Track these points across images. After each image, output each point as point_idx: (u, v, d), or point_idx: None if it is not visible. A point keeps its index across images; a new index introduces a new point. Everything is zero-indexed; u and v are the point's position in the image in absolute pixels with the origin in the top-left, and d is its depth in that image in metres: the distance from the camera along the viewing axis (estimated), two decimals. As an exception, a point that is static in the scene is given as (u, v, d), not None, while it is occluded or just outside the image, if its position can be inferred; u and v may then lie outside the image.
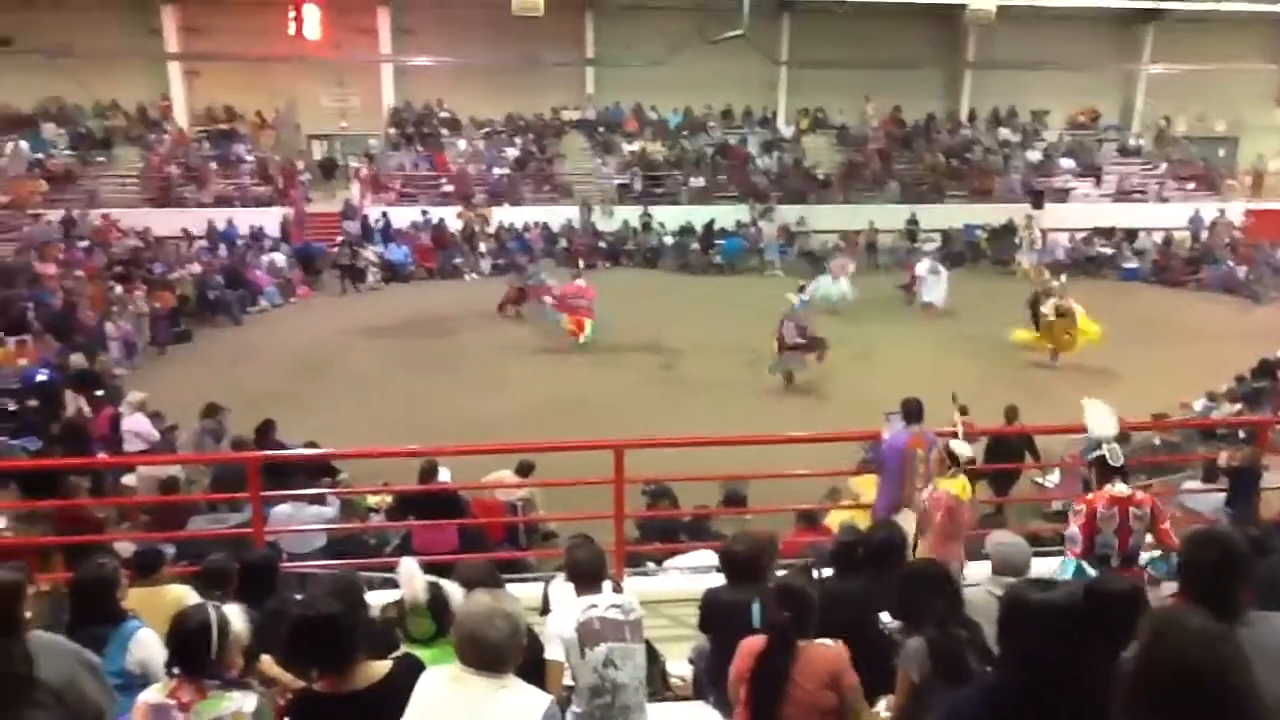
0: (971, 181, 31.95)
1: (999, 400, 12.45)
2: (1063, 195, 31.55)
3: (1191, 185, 32.53)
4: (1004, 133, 33.82)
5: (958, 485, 6.35)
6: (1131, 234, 29.65)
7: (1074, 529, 5.63)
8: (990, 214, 30.29)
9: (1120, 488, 5.66)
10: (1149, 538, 5.72)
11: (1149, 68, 33.13)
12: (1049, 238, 28.94)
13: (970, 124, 34.25)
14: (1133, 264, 28.23)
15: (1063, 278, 20.11)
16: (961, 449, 6.54)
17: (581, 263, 23.59)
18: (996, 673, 3.23)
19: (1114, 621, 3.48)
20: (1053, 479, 12.56)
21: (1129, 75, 34.39)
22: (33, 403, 14.25)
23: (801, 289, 18.23)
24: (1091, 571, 5.35)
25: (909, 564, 4.76)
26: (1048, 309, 18.34)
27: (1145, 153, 33.80)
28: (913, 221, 29.80)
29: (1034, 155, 32.77)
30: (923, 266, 23.27)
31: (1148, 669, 2.20)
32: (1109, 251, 29.00)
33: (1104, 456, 5.79)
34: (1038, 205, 29.72)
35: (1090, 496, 5.73)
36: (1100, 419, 6.23)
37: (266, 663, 4.21)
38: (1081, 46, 31.88)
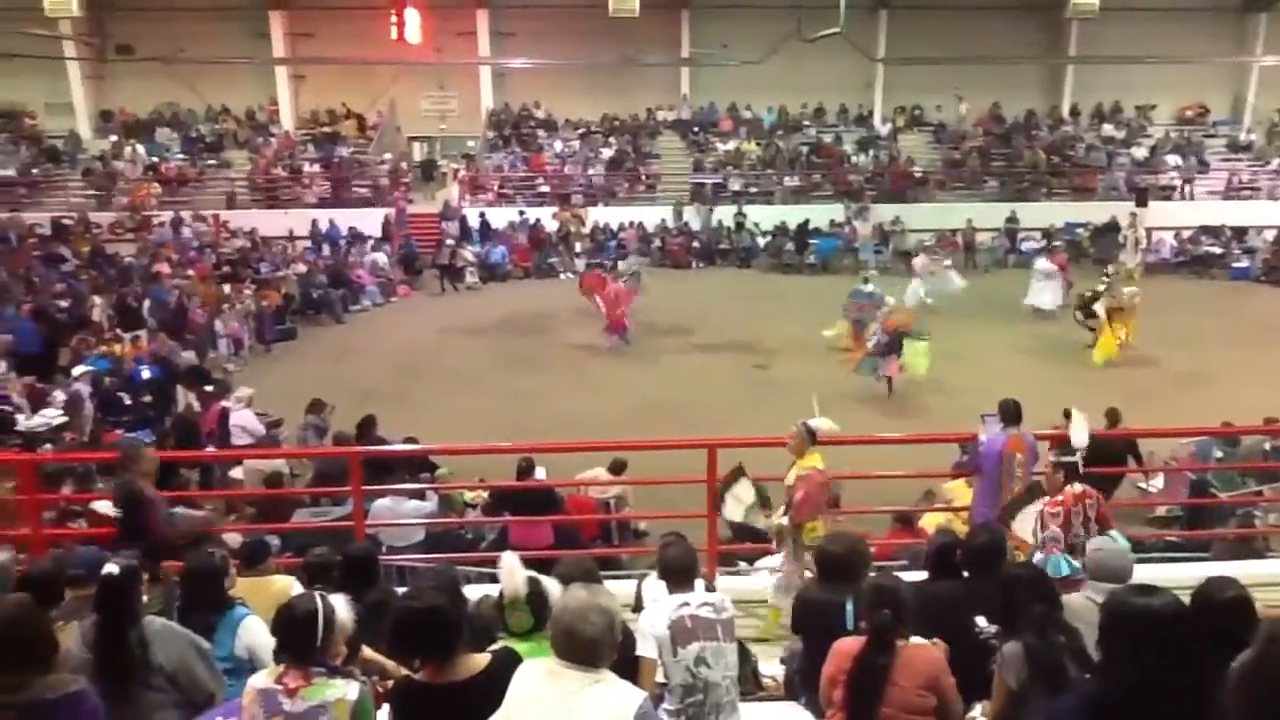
0: (1073, 179, 31.23)
1: (1101, 402, 12.16)
2: (1168, 193, 30.62)
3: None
4: (1107, 129, 32.95)
5: (816, 459, 6.81)
6: (1240, 232, 28.67)
7: (1055, 529, 6.09)
8: (1093, 212, 29.58)
9: (1078, 486, 6.23)
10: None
11: (1262, 60, 31.90)
12: (1154, 236, 28.16)
13: (1072, 120, 33.45)
14: (1243, 263, 27.30)
15: (1125, 273, 19.44)
16: (821, 424, 6.94)
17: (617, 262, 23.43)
18: (1098, 681, 3.17)
19: (1221, 630, 3.41)
20: (1156, 483, 12.23)
21: (1240, 68, 33.20)
22: (146, 398, 14.77)
23: (866, 280, 18.04)
24: (1076, 564, 5.81)
25: (1009, 568, 4.69)
26: (1100, 308, 17.96)
27: (1256, 148, 32.63)
28: (1012, 220, 29.23)
29: (1139, 152, 31.87)
30: (1040, 265, 22.55)
31: (1262, 679, 2.14)
32: (1217, 251, 28.08)
33: (1076, 463, 6.35)
34: (1142, 203, 28.92)
35: (1061, 497, 6.18)
36: (1081, 429, 6.88)
37: (367, 652, 4.32)
38: (1190, 39, 30.85)
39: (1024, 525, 6.65)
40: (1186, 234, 28.81)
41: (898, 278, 22.35)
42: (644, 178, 30.91)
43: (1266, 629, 2.20)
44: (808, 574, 6.18)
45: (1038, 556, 6.14)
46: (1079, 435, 6.86)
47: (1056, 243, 26.27)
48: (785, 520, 6.83)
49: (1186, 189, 30.75)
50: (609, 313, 19.33)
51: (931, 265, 22.43)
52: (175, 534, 5.96)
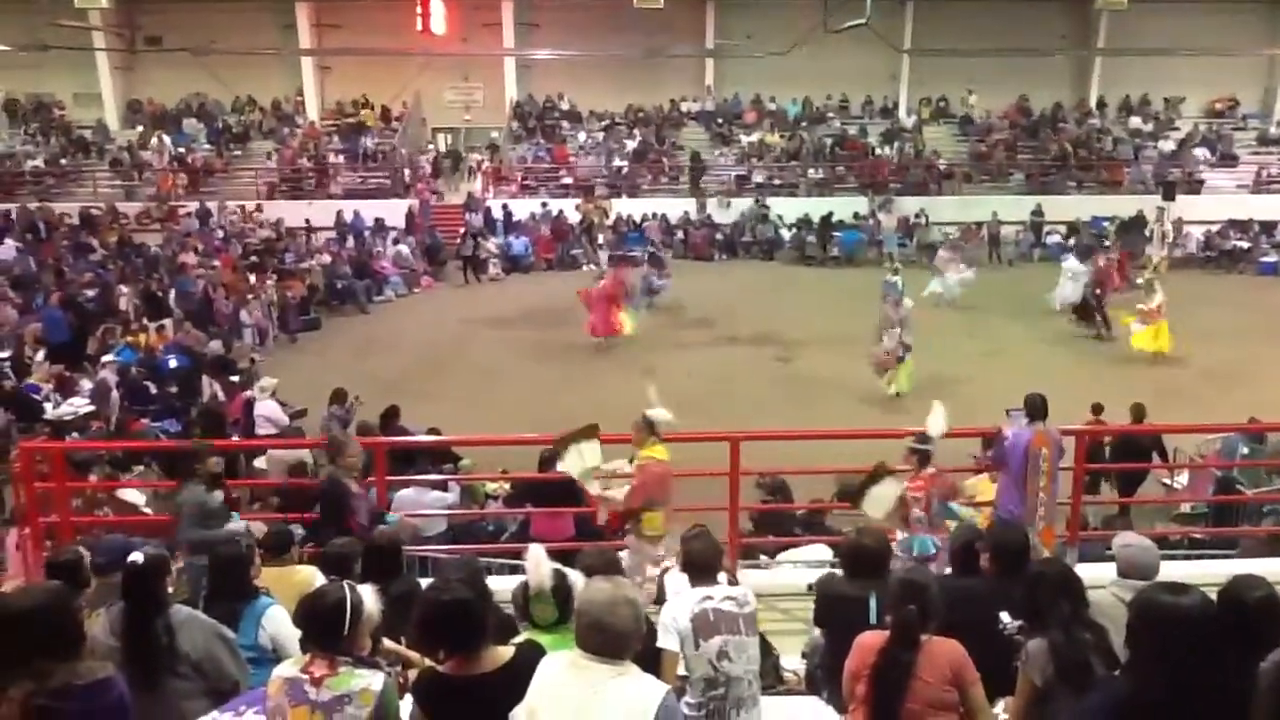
0: (1100, 172, 30.97)
1: (1128, 398, 12.09)
2: (1196, 186, 30.31)
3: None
4: (1135, 121, 32.67)
5: (659, 451, 6.92)
6: (1269, 226, 28.37)
7: (919, 512, 6.59)
8: (1119, 205, 29.30)
9: (930, 469, 6.75)
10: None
11: (1293, 52, 31.60)
12: (1182, 230, 27.91)
13: (1100, 112, 33.17)
14: (1270, 258, 27.04)
15: (1152, 275, 19.26)
16: (659, 415, 6.98)
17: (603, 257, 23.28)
18: (1126, 679, 3.15)
19: (1251, 628, 3.38)
20: (1181, 480, 12.15)
21: (1271, 60, 32.80)
22: (172, 388, 14.89)
23: (895, 271, 17.96)
24: (940, 542, 6.31)
25: (1035, 565, 4.67)
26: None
27: (1287, 141, 32.29)
28: (1038, 213, 29.04)
29: (1167, 145, 31.58)
30: (1069, 264, 21.99)
31: None
32: (1245, 245, 27.82)
33: (928, 451, 6.79)
34: (1169, 196, 28.62)
35: (919, 482, 6.66)
36: (939, 421, 7.04)
37: (389, 644, 4.34)
38: (1219, 31, 30.45)
39: (875, 506, 6.82)
40: (1215, 228, 28.51)
41: (921, 271, 22.24)
42: (668, 169, 30.84)
43: None
44: (666, 564, 6.16)
45: (902, 536, 6.63)
46: (936, 424, 7.01)
47: (1108, 242, 25.72)
48: (616, 497, 6.93)
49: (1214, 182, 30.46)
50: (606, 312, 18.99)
51: (947, 263, 22.19)
52: (383, 536, 5.92)
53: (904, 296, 16.74)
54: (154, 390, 14.92)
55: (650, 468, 6.84)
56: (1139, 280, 19.14)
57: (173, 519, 6.93)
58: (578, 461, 7.09)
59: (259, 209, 27.40)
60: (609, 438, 10.58)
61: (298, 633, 3.96)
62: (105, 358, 15.38)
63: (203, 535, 6.52)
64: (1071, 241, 27.13)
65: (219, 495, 6.85)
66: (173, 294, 19.79)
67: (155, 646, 4.10)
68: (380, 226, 27.06)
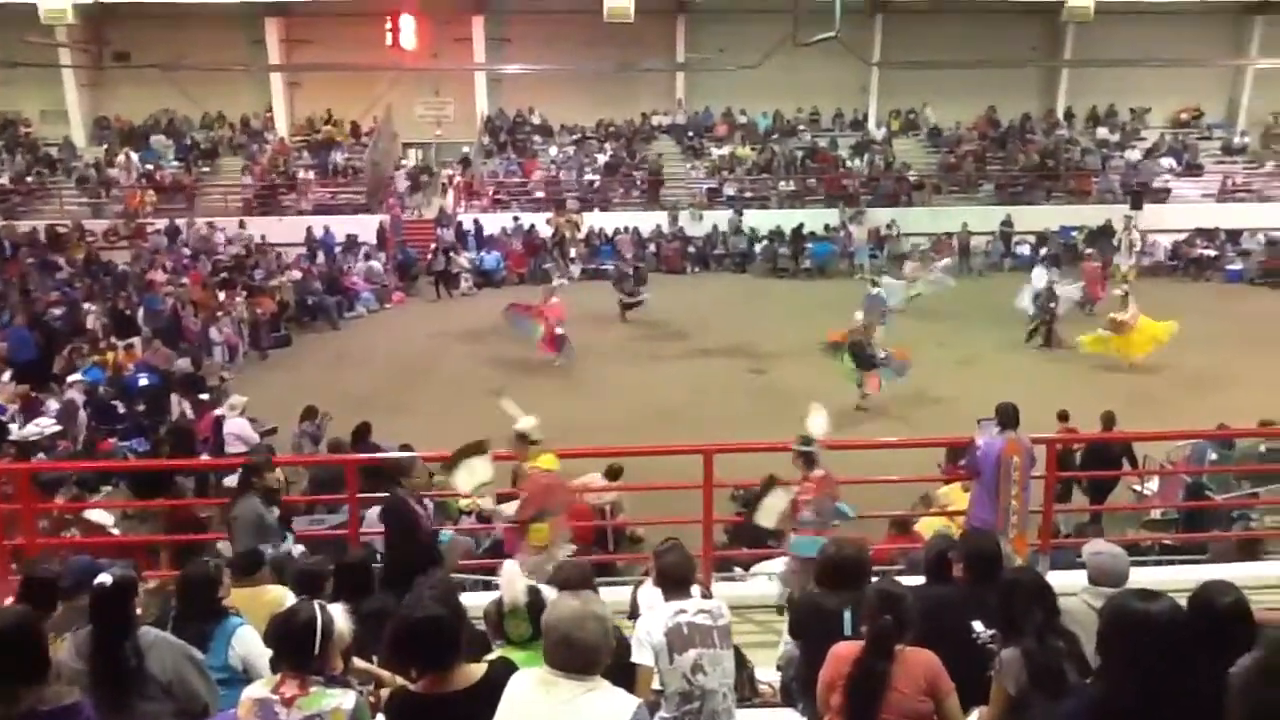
0: (1068, 182, 31.26)
1: (1098, 406, 12.18)
2: (1163, 195, 30.65)
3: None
4: (1102, 132, 33.02)
5: (546, 460, 7.08)
6: (1235, 235, 28.72)
7: (808, 514, 6.67)
8: (1088, 215, 29.61)
9: (819, 471, 6.82)
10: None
11: (1256, 63, 31.95)
12: (1149, 239, 28.20)
13: (1067, 123, 33.51)
14: (1237, 265, 27.36)
15: (1125, 286, 19.47)
16: (525, 425, 7.13)
17: (556, 277, 23.25)
18: (1099, 686, 3.16)
19: (1221, 633, 3.40)
20: (1152, 486, 12.23)
21: (1235, 71, 33.26)
22: (140, 407, 14.75)
23: (875, 283, 18.08)
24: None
25: (1008, 573, 4.68)
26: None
27: (1251, 151, 32.69)
28: (1007, 223, 29.28)
29: (1133, 154, 31.93)
30: (1038, 275, 22.14)
31: (1262, 688, 2.10)
32: (1212, 253, 28.14)
33: (812, 452, 6.85)
34: (1137, 206, 28.95)
35: (809, 484, 6.74)
36: (820, 422, 7.21)
37: (360, 663, 4.30)
38: (1185, 42, 30.81)
39: (766, 517, 7.01)
40: (1181, 237, 28.82)
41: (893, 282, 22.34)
42: (639, 183, 30.89)
43: (1273, 639, 2.17)
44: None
45: (793, 538, 6.74)
46: (817, 425, 7.15)
47: (1090, 250, 25.82)
48: (506, 512, 7.02)
49: (1180, 191, 30.82)
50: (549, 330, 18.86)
51: (917, 272, 22.29)
52: (354, 555, 5.89)
53: (887, 300, 17.04)
54: (122, 409, 14.78)
55: (536, 478, 6.90)
56: (1115, 291, 19.33)
57: (226, 533, 6.82)
58: (468, 478, 7.09)
59: (242, 225, 27.25)
60: (591, 451, 10.60)
61: (268, 653, 3.92)
62: (72, 377, 15.21)
63: (252, 547, 6.51)
64: (1043, 252, 27.36)
65: (275, 511, 6.78)
66: (141, 312, 19.62)
67: (124, 669, 4.04)
68: (352, 243, 26.93)
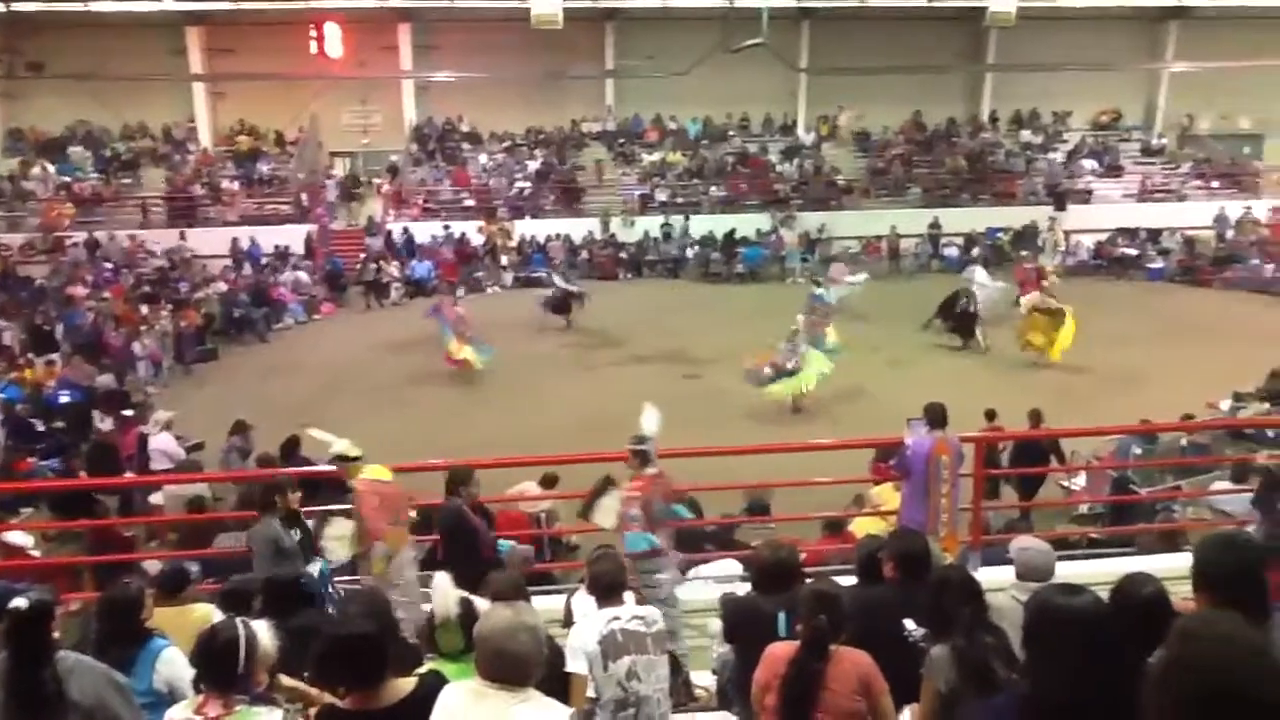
0: (993, 184, 31.81)
1: (1025, 403, 12.37)
2: (1085, 196, 31.35)
3: (1215, 184, 32.24)
4: (1026, 135, 33.69)
5: (378, 471, 6.97)
6: (1155, 234, 29.44)
7: (635, 510, 6.65)
8: (1013, 216, 30.13)
9: (652, 469, 6.86)
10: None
11: (1172, 66, 32.86)
12: (1072, 239, 28.81)
13: (992, 127, 34.11)
14: (1158, 264, 28.02)
15: (1053, 277, 19.83)
16: (340, 446, 7.03)
17: (461, 289, 23.20)
18: (1025, 682, 3.19)
19: (1143, 624, 3.45)
20: (1079, 482, 12.46)
21: (1152, 74, 34.15)
22: (60, 424, 14.40)
23: (819, 283, 18.38)
24: (656, 540, 6.53)
25: (937, 571, 4.73)
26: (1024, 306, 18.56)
27: (1168, 152, 33.55)
28: (935, 225, 29.70)
29: (1056, 157, 32.61)
30: (978, 275, 21.89)
31: (1176, 678, 2.13)
32: (1133, 252, 28.79)
33: (646, 450, 6.91)
34: (1060, 207, 29.57)
35: (640, 481, 6.76)
36: (651, 419, 7.45)
37: (287, 680, 4.22)
38: (1103, 46, 31.68)
39: (604, 517, 7.12)
40: (1104, 236, 29.46)
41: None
42: (570, 190, 30.84)
43: (1180, 626, 2.19)
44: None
45: (625, 535, 6.71)
46: (649, 423, 7.36)
47: (1025, 252, 25.99)
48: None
49: (1102, 192, 31.53)
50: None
51: (841, 274, 22.39)
52: (509, 569, 5.76)
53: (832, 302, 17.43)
54: (41, 428, 14.40)
55: (367, 493, 6.78)
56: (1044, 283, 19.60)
57: (246, 554, 6.66)
58: (606, 517, 7.22)
59: (183, 236, 26.73)
60: (526, 460, 10.55)
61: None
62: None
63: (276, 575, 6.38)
64: (975, 252, 27.80)
65: (296, 533, 6.66)
66: (61, 327, 19.15)
67: (42, 695, 3.91)
68: (283, 254, 26.52)
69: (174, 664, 4.43)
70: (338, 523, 7.23)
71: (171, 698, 4.30)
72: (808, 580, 5.07)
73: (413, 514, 7.27)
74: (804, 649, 4.03)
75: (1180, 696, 2.08)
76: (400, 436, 14.53)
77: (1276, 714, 2.01)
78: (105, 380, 16.33)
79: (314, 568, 6.54)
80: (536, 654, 3.10)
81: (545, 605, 5.85)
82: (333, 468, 10.06)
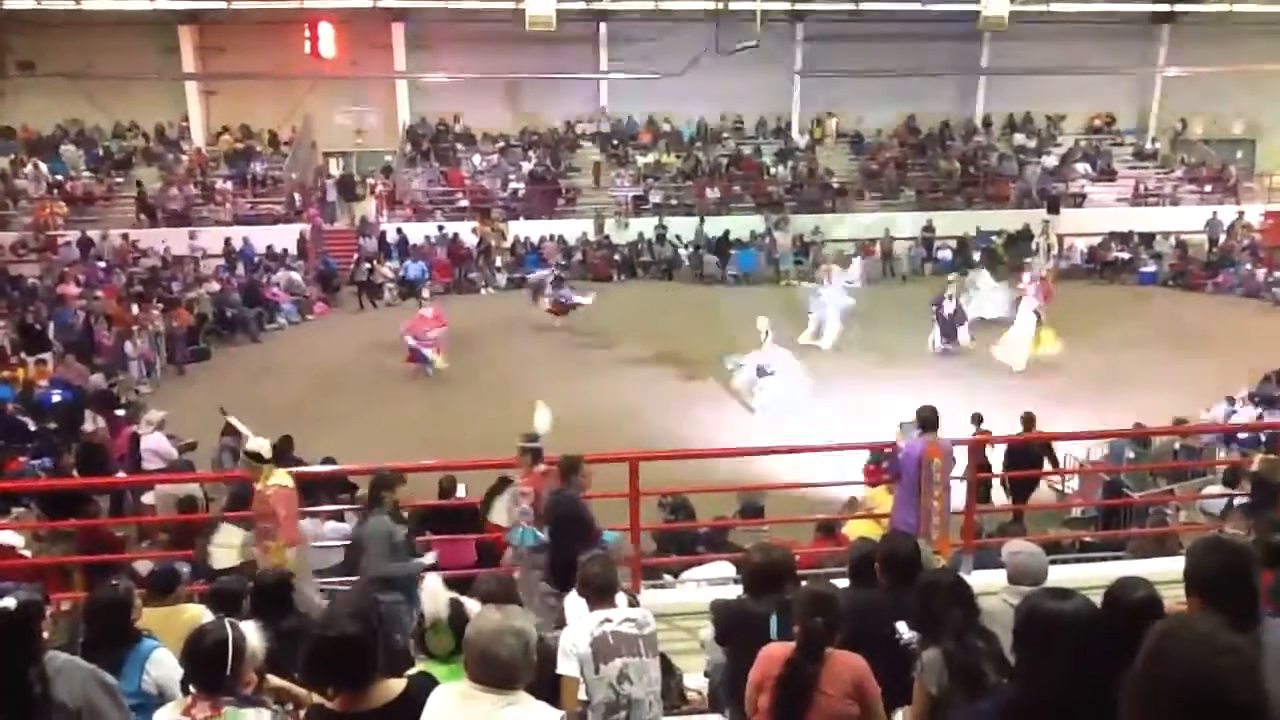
0: (987, 188, 31.85)
1: (1018, 407, 12.39)
2: (1079, 200, 31.42)
3: (1208, 188, 32.32)
4: (1019, 138, 33.73)
5: (283, 477, 7.02)
6: (1148, 238, 29.50)
7: (525, 505, 6.92)
8: (1006, 220, 30.17)
9: (542, 466, 7.06)
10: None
11: (1165, 71, 32.97)
12: (1065, 243, 28.88)
13: (985, 130, 34.16)
14: (1150, 268, 28.08)
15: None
16: (257, 444, 7.11)
17: (426, 291, 23.25)
18: (1015, 685, 3.19)
19: (1132, 629, 3.45)
20: (1072, 485, 12.49)
21: (1145, 79, 34.24)
22: (51, 424, 14.34)
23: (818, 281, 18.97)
24: (543, 535, 6.71)
25: (926, 575, 4.73)
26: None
27: (1161, 156, 33.65)
28: (928, 228, 29.72)
29: (1049, 160, 32.66)
30: (982, 279, 21.95)
31: (1151, 677, 2.12)
32: (1126, 256, 28.84)
33: (538, 448, 7.12)
34: (1053, 210, 29.62)
35: (531, 478, 6.98)
36: (543, 418, 7.75)
37: (276, 681, 4.20)
38: (1097, 51, 31.74)
39: (499, 515, 7.39)
40: (1096, 240, 29.52)
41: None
42: (564, 191, 30.84)
43: (1159, 628, 2.19)
44: None
45: (516, 530, 6.99)
46: (541, 422, 7.66)
47: (1029, 259, 25.55)
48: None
49: (1095, 196, 31.61)
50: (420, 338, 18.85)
51: (837, 273, 22.35)
52: (271, 573, 5.76)
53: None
54: (32, 427, 14.34)
55: (281, 496, 6.85)
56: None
57: (353, 550, 6.68)
58: (504, 514, 7.48)
59: (193, 236, 26.60)
60: (504, 462, 10.54)
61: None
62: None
63: (391, 569, 6.54)
64: (976, 256, 27.84)
65: (403, 529, 6.79)
66: (52, 326, 19.09)
67: (27, 697, 3.88)
68: (278, 255, 26.41)
69: (163, 665, 4.40)
70: (226, 530, 7.39)
71: (161, 699, 4.27)
72: (802, 582, 5.08)
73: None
74: (799, 650, 4.03)
75: (1155, 695, 2.08)
76: (393, 436, 14.53)
77: (1249, 714, 2.00)
78: (96, 380, 16.28)
79: (423, 560, 6.82)
80: (523, 657, 3.08)
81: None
82: (326, 469, 10.13)
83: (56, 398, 15.11)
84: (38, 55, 26.84)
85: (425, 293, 23.61)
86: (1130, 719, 2.10)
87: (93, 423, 14.19)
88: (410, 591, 6.52)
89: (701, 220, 29.57)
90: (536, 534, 6.76)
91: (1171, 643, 2.08)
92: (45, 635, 4.18)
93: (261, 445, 7.05)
